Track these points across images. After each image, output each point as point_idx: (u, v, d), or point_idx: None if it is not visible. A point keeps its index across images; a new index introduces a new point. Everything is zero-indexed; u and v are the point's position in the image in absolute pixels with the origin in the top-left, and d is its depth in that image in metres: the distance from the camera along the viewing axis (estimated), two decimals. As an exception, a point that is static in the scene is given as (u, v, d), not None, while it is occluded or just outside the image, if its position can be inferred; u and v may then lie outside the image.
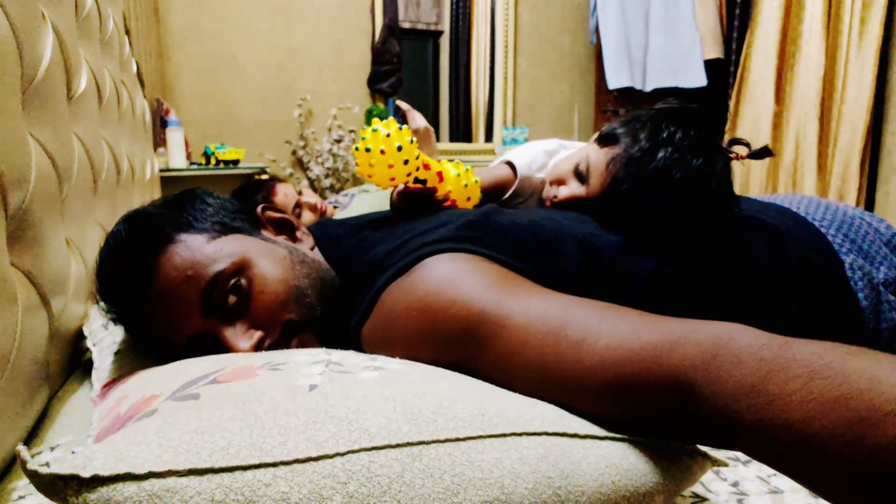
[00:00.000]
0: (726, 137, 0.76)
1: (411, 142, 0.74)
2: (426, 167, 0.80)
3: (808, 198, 0.78)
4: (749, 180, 3.02)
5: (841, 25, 2.67)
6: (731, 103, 3.05)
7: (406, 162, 0.73)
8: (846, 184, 2.71)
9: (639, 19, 3.33)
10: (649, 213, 0.69)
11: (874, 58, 2.56)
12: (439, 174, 0.83)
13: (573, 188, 0.83)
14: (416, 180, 0.79)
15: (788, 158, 2.88)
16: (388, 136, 0.72)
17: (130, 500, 0.29)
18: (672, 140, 0.69)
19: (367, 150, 0.72)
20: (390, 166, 0.72)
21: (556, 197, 0.86)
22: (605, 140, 0.79)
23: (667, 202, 0.68)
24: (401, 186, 0.80)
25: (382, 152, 0.71)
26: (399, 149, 0.72)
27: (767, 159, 2.91)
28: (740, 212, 0.74)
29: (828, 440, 0.31)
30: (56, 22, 0.83)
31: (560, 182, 0.86)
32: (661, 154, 0.68)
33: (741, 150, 0.77)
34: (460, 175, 0.86)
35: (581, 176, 0.81)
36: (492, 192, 1.02)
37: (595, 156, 0.79)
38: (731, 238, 0.70)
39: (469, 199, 0.87)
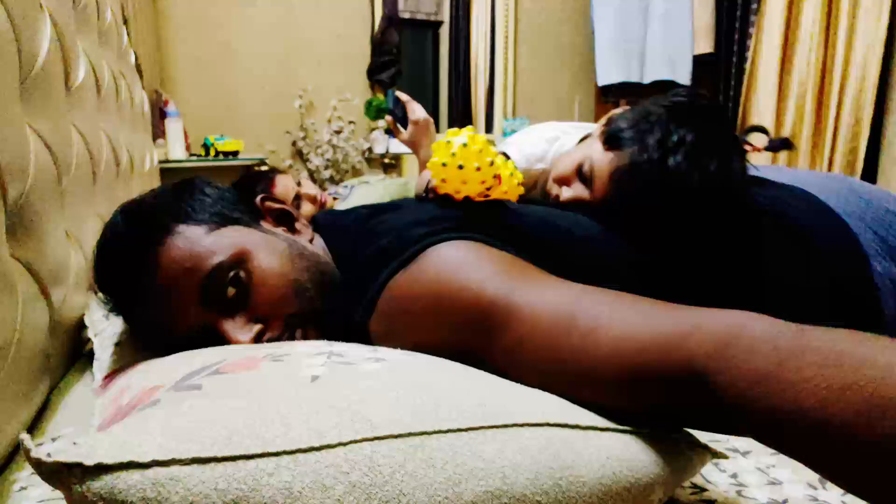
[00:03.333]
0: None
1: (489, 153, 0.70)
2: (496, 177, 0.74)
3: (839, 180, 0.71)
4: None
5: (839, 18, 2.66)
6: (742, 97, 3.04)
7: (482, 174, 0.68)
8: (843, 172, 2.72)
9: (637, 9, 3.31)
10: (657, 222, 0.68)
11: (880, 49, 2.55)
12: (497, 177, 0.77)
13: (577, 190, 0.80)
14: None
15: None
16: (480, 151, 0.68)
17: (134, 487, 0.29)
18: (683, 143, 0.66)
19: (460, 167, 0.68)
20: (482, 182, 0.69)
21: (558, 197, 0.84)
22: (610, 142, 0.75)
23: (679, 210, 0.66)
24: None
25: (478, 168, 0.68)
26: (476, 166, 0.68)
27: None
28: (761, 201, 0.70)
29: (841, 427, 0.31)
30: (54, 12, 0.82)
31: (563, 181, 0.83)
32: (671, 161, 0.65)
33: (758, 139, 0.73)
34: (512, 174, 0.81)
35: (584, 178, 0.78)
36: None
37: (599, 158, 0.76)
38: (752, 245, 0.67)
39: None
